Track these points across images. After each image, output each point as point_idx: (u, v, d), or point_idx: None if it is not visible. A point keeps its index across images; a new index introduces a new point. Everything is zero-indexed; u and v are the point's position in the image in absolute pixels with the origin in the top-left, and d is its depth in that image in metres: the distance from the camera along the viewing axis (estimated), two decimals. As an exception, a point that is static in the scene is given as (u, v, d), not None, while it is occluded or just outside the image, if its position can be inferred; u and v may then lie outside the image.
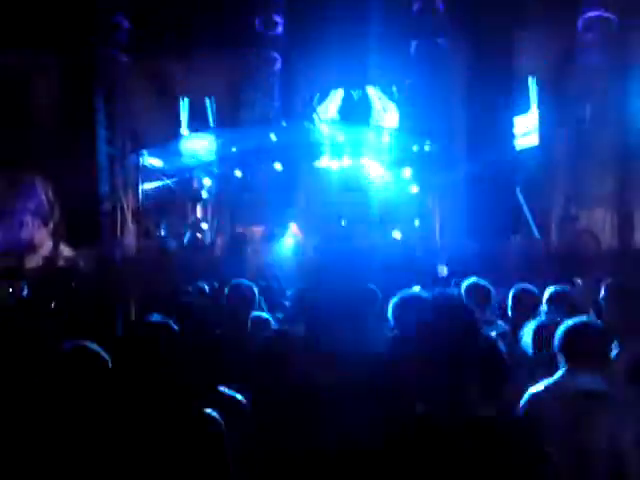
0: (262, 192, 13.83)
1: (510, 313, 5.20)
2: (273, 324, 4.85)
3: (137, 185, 13.24)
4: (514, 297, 5.19)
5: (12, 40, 12.85)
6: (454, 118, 13.86)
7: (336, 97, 14.75)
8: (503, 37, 13.58)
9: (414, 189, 13.55)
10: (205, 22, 13.79)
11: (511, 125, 13.34)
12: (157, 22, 13.79)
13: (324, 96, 14.69)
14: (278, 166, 13.88)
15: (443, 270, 9.80)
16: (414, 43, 14.33)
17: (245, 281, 5.47)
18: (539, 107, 13.09)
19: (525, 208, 12.58)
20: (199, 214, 14.32)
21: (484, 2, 13.42)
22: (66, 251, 12.55)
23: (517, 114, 13.31)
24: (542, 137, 12.89)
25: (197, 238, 13.71)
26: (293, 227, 13.20)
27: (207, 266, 10.91)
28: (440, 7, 14.29)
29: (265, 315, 5.05)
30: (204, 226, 14.20)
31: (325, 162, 13.72)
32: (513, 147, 13.22)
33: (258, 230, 13.65)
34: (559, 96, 13.20)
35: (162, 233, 13.61)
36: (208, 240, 14.00)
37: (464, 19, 13.92)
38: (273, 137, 13.57)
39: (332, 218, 13.07)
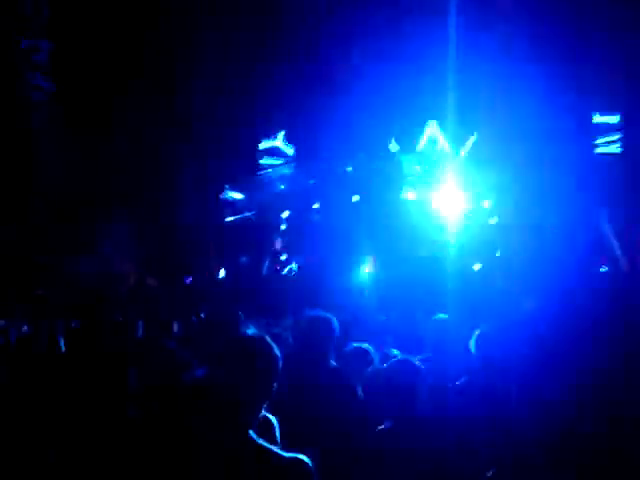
0: (340, 224, 13.91)
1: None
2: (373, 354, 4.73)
3: (219, 218, 13.53)
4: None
5: (99, 72, 13.35)
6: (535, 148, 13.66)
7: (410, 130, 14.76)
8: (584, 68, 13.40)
9: (493, 221, 13.39)
10: (285, 57, 14.10)
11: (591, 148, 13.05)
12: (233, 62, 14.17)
13: (402, 129, 14.74)
14: (355, 198, 13.97)
15: (529, 304, 9.58)
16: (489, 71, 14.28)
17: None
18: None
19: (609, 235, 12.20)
20: (278, 245, 14.51)
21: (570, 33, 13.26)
22: (151, 282, 12.89)
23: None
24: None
25: (276, 269, 13.89)
26: (370, 260, 13.21)
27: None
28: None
29: (365, 345, 4.89)
30: (283, 257, 14.39)
31: (404, 194, 13.74)
32: (594, 170, 12.89)
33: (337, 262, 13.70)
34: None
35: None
36: (287, 271, 14.15)
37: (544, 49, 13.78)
38: (350, 169, 13.70)
39: (411, 250, 13.01)
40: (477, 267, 12.95)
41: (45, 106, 13.86)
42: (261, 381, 2.59)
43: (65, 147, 13.50)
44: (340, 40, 14.68)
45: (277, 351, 2.66)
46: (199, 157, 14.47)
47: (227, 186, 13.53)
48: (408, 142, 14.63)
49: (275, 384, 2.62)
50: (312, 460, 2.54)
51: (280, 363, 2.66)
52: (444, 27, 12.80)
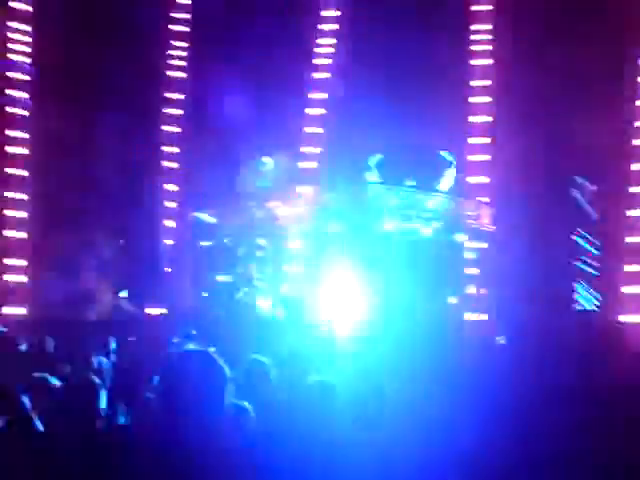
0: (317, 254, 13.90)
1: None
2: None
3: (194, 241, 13.50)
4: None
5: (79, 96, 13.45)
6: (509, 182, 13.83)
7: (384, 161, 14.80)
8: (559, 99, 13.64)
9: (469, 255, 13.47)
10: (265, 84, 14.23)
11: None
12: (217, 82, 14.29)
13: (381, 159, 14.82)
14: (334, 227, 13.95)
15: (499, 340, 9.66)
16: (467, 105, 14.52)
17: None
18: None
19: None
20: (254, 272, 14.46)
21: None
22: (125, 305, 12.81)
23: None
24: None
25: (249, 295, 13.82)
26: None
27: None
28: (493, 70, 14.52)
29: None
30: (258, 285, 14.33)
31: (384, 226, 13.72)
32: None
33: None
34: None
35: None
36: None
37: (520, 82, 14.03)
38: (328, 200, 13.72)
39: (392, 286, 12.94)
40: (452, 301, 12.99)
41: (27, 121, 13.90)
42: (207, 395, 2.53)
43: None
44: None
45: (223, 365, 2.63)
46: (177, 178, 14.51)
47: (205, 210, 13.50)
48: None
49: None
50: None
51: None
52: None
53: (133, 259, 13.10)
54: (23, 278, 13.20)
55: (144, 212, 13.32)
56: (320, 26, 15.22)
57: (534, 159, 13.34)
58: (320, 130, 15.08)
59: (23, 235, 13.32)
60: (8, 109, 13.83)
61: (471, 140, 14.57)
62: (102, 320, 12.14)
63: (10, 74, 13.97)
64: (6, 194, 13.44)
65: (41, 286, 12.62)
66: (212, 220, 13.98)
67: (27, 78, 14.04)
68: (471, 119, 14.65)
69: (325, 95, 15.15)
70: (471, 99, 14.69)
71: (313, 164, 15.05)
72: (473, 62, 14.80)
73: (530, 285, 12.17)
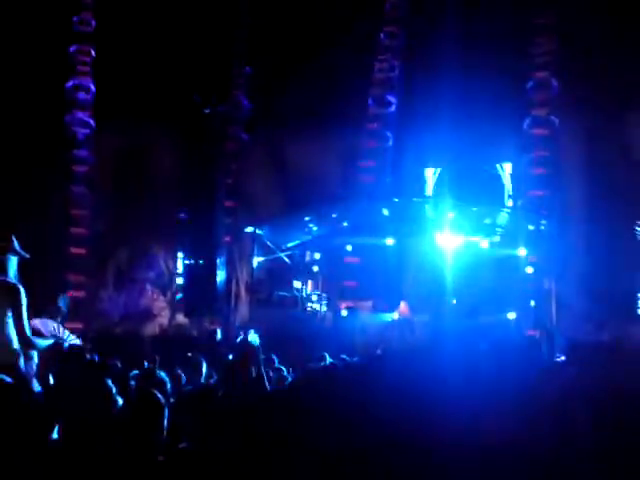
0: (372, 267, 13.83)
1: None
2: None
3: (251, 257, 13.58)
4: None
5: (139, 113, 13.71)
6: (570, 196, 13.51)
7: (446, 174, 14.71)
8: (618, 114, 13.28)
9: (529, 269, 13.18)
10: (320, 100, 14.26)
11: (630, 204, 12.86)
12: (274, 102, 14.39)
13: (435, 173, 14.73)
14: (389, 241, 13.88)
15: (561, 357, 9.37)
16: (527, 119, 14.26)
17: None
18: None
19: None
20: (310, 287, 14.48)
21: (598, 80, 13.22)
22: (182, 320, 12.95)
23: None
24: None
25: (307, 310, 13.85)
26: (402, 305, 13.05)
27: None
28: (553, 84, 14.23)
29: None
30: (314, 298, 14.35)
31: (438, 239, 13.60)
32: (634, 230, 12.70)
33: (366, 305, 13.61)
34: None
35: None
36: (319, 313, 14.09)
37: (578, 96, 13.73)
38: (385, 212, 13.66)
39: (443, 296, 12.84)
40: (512, 316, 12.75)
41: (90, 142, 14.24)
42: None
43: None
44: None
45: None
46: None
47: (262, 226, 13.61)
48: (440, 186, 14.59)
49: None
50: None
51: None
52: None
53: (192, 275, 13.26)
54: (82, 293, 13.47)
55: (202, 228, 13.46)
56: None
57: (596, 175, 12.98)
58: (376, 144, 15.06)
59: (82, 251, 13.59)
60: (73, 129, 14.16)
61: (531, 154, 14.27)
62: (161, 336, 12.29)
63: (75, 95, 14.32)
64: (70, 211, 13.77)
65: (100, 302, 12.88)
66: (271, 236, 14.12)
67: (91, 98, 14.39)
68: (533, 132, 14.36)
69: (384, 110, 15.12)
70: (534, 111, 14.39)
71: (370, 177, 15.01)
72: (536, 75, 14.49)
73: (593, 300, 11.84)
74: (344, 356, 7.15)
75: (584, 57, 13.42)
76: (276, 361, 6.84)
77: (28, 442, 3.64)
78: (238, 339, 7.81)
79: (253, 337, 7.08)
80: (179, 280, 13.66)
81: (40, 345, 4.59)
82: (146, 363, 6.07)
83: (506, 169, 14.47)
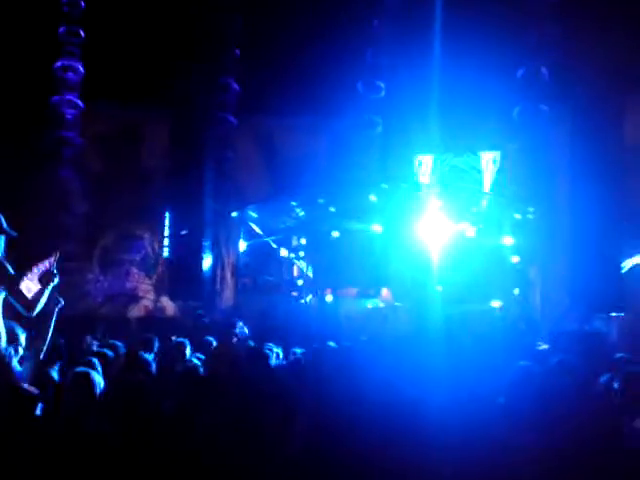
0: (358, 253, 13.89)
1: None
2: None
3: (237, 241, 13.58)
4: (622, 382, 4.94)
5: (127, 95, 13.61)
6: (557, 186, 13.57)
7: (434, 161, 14.75)
8: (610, 104, 13.30)
9: (515, 258, 13.27)
10: (309, 85, 14.21)
11: (618, 195, 12.90)
12: (262, 85, 14.33)
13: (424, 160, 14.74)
14: (377, 227, 13.93)
15: (542, 346, 9.46)
16: (517, 108, 14.28)
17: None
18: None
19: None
20: (295, 272, 14.52)
21: (590, 68, 13.23)
22: (166, 303, 12.95)
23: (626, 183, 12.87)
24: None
25: (292, 296, 13.88)
26: (384, 291, 13.15)
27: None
28: (544, 73, 14.23)
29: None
30: (299, 283, 14.40)
31: (421, 226, 13.67)
32: (620, 218, 12.75)
33: (351, 291, 13.69)
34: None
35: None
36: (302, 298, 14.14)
37: (569, 85, 13.76)
38: (373, 198, 13.70)
39: (427, 282, 12.93)
40: (496, 304, 12.83)
41: (78, 123, 14.13)
42: None
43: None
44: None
45: None
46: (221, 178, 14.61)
47: (249, 209, 13.60)
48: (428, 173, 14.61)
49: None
50: None
51: None
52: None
53: (177, 258, 13.22)
54: (67, 275, 13.39)
55: (189, 211, 13.41)
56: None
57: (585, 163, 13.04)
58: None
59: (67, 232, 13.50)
60: (61, 110, 14.04)
61: (520, 142, 14.32)
62: (145, 318, 12.29)
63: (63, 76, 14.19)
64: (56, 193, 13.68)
65: (86, 283, 12.85)
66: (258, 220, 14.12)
67: (79, 80, 14.27)
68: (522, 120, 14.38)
69: (373, 95, 15.09)
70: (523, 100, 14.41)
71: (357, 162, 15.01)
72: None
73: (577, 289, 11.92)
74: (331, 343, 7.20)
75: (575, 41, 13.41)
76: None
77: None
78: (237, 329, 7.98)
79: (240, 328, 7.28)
80: (164, 263, 13.63)
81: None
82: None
83: (494, 157, 14.50)
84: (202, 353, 6.74)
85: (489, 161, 14.36)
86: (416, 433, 4.17)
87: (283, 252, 14.68)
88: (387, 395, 5.02)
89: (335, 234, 14.41)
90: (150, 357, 6.34)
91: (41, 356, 4.63)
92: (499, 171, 14.44)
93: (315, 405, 4.23)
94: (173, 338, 7.61)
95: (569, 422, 4.01)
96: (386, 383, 5.33)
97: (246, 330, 8.66)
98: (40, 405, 3.93)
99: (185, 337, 7.09)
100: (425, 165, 14.71)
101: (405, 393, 4.80)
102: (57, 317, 4.77)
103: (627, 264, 12.22)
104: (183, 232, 12.73)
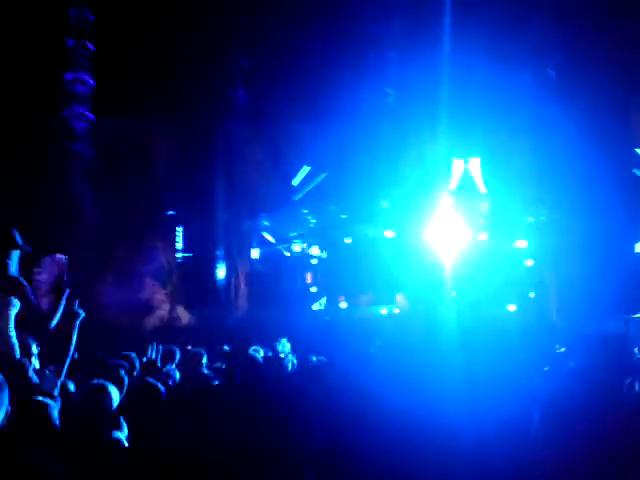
0: (371, 259, 13.83)
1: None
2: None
3: (250, 250, 13.58)
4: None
5: (135, 108, 13.66)
6: (568, 188, 13.48)
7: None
8: (617, 106, 13.24)
9: (529, 262, 13.18)
10: (315, 91, 14.22)
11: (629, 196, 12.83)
12: (270, 95, 14.36)
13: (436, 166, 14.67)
14: (389, 233, 13.88)
15: (560, 349, 9.39)
16: (525, 111, 14.22)
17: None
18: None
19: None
20: (309, 279, 14.49)
21: (599, 71, 13.17)
22: (182, 313, 12.96)
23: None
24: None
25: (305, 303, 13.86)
26: (399, 297, 13.10)
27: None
28: (552, 75, 14.19)
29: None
30: (313, 290, 14.39)
31: (436, 231, 13.59)
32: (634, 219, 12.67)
33: (365, 298, 13.64)
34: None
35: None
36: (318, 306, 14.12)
37: (576, 87, 13.68)
38: (385, 204, 13.66)
39: (442, 288, 12.86)
40: (512, 308, 12.75)
41: (88, 136, 14.19)
42: None
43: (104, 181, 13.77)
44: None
45: None
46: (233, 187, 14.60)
47: (262, 219, 13.61)
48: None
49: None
50: None
51: None
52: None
53: (191, 268, 13.25)
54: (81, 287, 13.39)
55: (200, 222, 13.45)
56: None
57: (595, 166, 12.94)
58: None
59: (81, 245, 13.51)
60: (72, 122, 14.10)
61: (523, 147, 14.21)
62: (161, 328, 12.30)
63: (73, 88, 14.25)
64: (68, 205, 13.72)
65: (100, 295, 12.87)
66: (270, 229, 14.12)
67: (89, 92, 14.33)
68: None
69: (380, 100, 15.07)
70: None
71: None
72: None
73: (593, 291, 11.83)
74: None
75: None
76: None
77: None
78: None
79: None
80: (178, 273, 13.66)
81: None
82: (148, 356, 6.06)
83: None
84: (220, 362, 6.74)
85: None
86: (426, 445, 4.11)
87: (296, 259, 14.67)
88: (399, 405, 4.97)
89: (347, 240, 14.38)
90: (172, 368, 6.33)
91: (64, 370, 4.59)
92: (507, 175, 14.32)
93: (326, 414, 4.20)
94: (189, 348, 7.59)
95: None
96: (399, 392, 5.27)
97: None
98: (56, 415, 3.91)
99: (201, 346, 7.08)
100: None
101: (418, 405, 4.74)
102: (78, 330, 4.73)
103: None
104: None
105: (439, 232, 13.55)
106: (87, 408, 4.10)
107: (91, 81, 14.17)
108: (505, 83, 13.54)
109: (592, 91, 13.26)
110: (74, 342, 4.66)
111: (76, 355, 5.51)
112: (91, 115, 14.24)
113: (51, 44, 13.25)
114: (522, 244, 13.33)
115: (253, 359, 6.22)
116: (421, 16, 14.16)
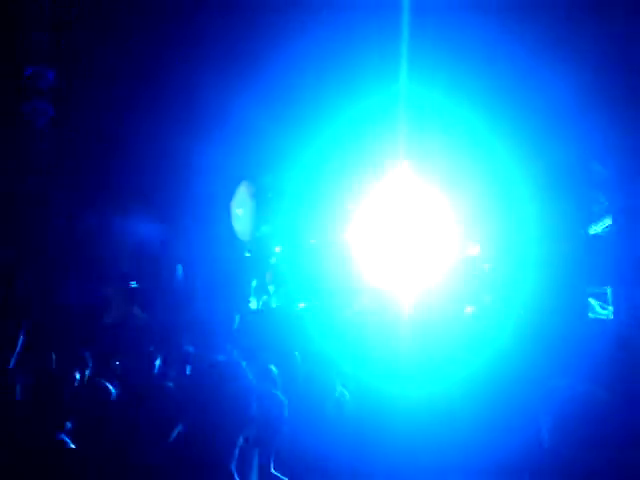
0: (332, 261, 13.92)
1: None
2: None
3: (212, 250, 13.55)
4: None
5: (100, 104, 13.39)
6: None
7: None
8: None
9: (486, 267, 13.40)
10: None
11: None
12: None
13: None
14: (348, 235, 13.98)
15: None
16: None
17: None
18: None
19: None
20: (267, 278, 14.54)
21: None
22: (137, 312, 12.90)
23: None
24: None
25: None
26: (361, 298, 13.17)
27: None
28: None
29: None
30: (270, 289, 14.44)
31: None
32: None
33: (325, 299, 13.69)
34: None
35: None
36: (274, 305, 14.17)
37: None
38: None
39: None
40: (469, 310, 12.92)
41: (49, 130, 13.95)
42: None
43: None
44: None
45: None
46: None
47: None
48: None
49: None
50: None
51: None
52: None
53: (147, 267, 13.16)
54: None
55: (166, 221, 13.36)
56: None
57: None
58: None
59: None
60: (31, 118, 13.83)
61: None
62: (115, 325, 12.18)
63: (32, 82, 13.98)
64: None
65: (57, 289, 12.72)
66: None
67: (50, 86, 14.06)
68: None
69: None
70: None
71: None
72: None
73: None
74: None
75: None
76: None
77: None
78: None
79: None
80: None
81: None
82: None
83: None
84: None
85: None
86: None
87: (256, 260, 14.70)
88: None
89: (312, 241, 14.47)
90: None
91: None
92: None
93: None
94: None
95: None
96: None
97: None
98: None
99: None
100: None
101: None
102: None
103: None
104: None
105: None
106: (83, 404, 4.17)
107: (52, 75, 13.96)
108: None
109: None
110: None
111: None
112: (51, 110, 14.03)
113: (11, 37, 13.02)
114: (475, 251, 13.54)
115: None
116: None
